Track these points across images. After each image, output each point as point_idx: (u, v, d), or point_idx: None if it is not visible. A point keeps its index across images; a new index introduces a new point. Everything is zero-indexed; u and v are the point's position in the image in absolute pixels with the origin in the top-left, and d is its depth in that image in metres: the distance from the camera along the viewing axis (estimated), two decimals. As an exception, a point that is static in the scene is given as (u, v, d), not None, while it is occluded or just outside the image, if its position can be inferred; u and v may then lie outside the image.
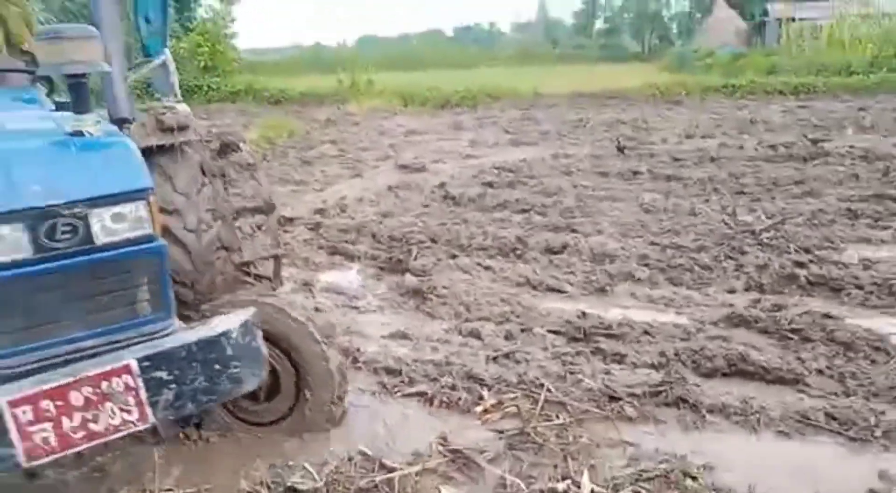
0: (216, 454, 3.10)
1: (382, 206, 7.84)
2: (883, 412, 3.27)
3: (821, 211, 6.71)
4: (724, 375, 3.74)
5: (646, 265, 5.44)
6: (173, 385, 2.42)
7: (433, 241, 6.23)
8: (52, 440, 2.22)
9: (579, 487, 2.78)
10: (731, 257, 5.53)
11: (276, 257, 3.87)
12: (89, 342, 2.44)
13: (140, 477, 2.92)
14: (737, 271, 5.26)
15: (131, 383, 2.34)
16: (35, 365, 2.34)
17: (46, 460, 2.24)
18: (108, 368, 2.31)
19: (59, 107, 3.12)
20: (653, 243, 5.98)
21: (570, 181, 8.70)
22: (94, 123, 2.46)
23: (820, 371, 3.72)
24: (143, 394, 2.37)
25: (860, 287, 4.84)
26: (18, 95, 3.13)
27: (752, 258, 5.44)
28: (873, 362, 3.81)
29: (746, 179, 8.32)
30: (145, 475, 2.93)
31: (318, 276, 5.61)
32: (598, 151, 10.95)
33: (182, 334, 2.56)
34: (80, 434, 2.26)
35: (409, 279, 5.24)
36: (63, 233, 2.30)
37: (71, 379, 2.26)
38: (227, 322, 2.62)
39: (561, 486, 2.79)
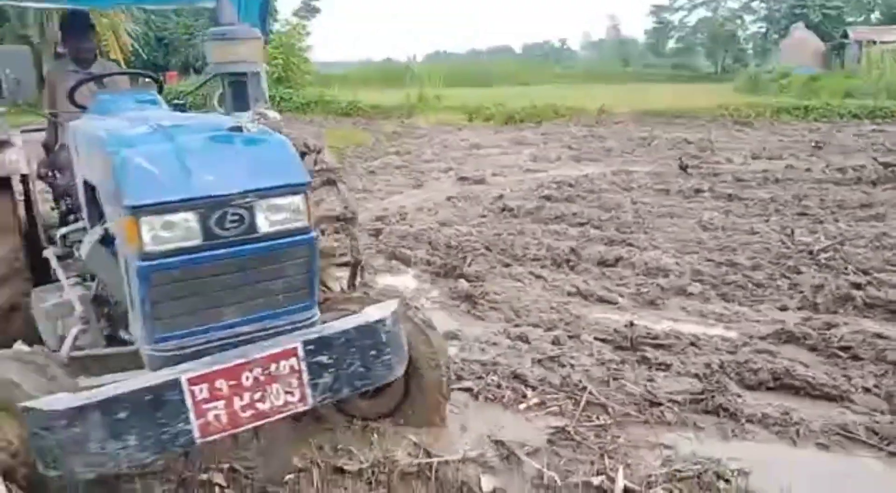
0: (271, 435, 3.30)
1: (441, 215, 8.04)
2: (927, 430, 3.26)
3: (884, 234, 6.59)
4: (769, 388, 3.76)
5: (699, 281, 5.47)
6: (332, 369, 2.52)
7: (488, 249, 6.39)
8: (223, 418, 2.34)
9: (613, 482, 2.88)
10: (786, 276, 5.51)
11: (356, 264, 3.94)
12: (247, 328, 2.56)
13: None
14: (791, 290, 5.24)
15: (296, 367, 2.45)
16: (202, 347, 2.46)
17: (216, 437, 2.35)
18: (276, 350, 2.43)
19: (175, 109, 3.39)
20: (708, 260, 6.00)
21: (629, 197, 8.74)
22: (251, 121, 2.64)
23: (867, 389, 3.71)
24: (306, 377, 2.48)
25: (920, 310, 4.77)
26: (142, 97, 3.36)
27: (808, 277, 5.41)
28: (924, 382, 3.78)
29: (810, 201, 8.21)
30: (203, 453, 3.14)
31: (377, 278, 5.82)
32: (660, 170, 10.94)
33: (339, 322, 2.65)
34: (248, 414, 2.39)
35: (462, 284, 5.40)
36: (231, 222, 2.41)
37: (243, 360, 2.38)
38: (380, 311, 2.73)
39: (595, 481, 2.90)
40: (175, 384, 2.27)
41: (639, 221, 7.46)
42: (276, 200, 2.50)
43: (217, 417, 2.32)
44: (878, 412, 3.49)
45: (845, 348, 4.14)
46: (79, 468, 2.18)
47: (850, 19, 45.73)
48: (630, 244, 6.49)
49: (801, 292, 5.16)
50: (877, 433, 3.26)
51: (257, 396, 2.39)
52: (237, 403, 2.36)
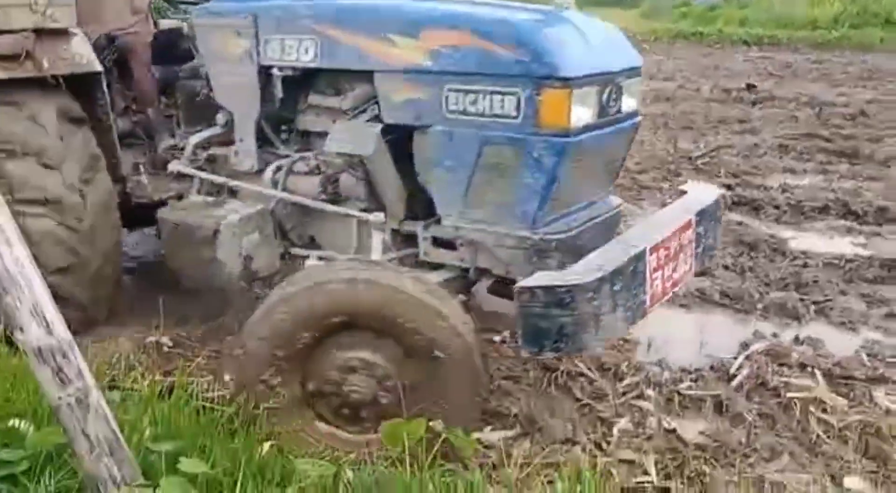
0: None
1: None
2: (768, 293, 3.95)
3: (756, 145, 7.36)
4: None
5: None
6: (703, 239, 2.65)
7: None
8: (659, 288, 2.36)
9: None
10: (667, 178, 6.16)
11: None
12: (604, 207, 2.70)
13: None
14: (670, 189, 5.89)
15: (691, 237, 2.55)
16: (575, 231, 2.57)
17: (653, 307, 2.37)
18: (682, 222, 2.50)
19: None
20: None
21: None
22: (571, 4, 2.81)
23: (726, 267, 4.37)
24: (694, 247, 2.57)
25: (776, 207, 5.49)
26: None
27: (686, 179, 6.07)
28: (772, 260, 4.48)
29: (696, 117, 8.92)
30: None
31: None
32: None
33: (695, 200, 2.75)
34: (668, 283, 2.44)
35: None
36: (613, 100, 2.48)
37: (675, 229, 2.43)
38: (709, 193, 2.88)
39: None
40: (642, 255, 2.27)
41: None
42: (632, 81, 2.64)
43: (657, 286, 2.35)
44: (732, 281, 4.15)
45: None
46: (593, 343, 2.14)
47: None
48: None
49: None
50: (728, 296, 3.91)
51: (674, 265, 2.45)
52: (667, 272, 2.41)
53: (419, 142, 2.66)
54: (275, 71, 2.91)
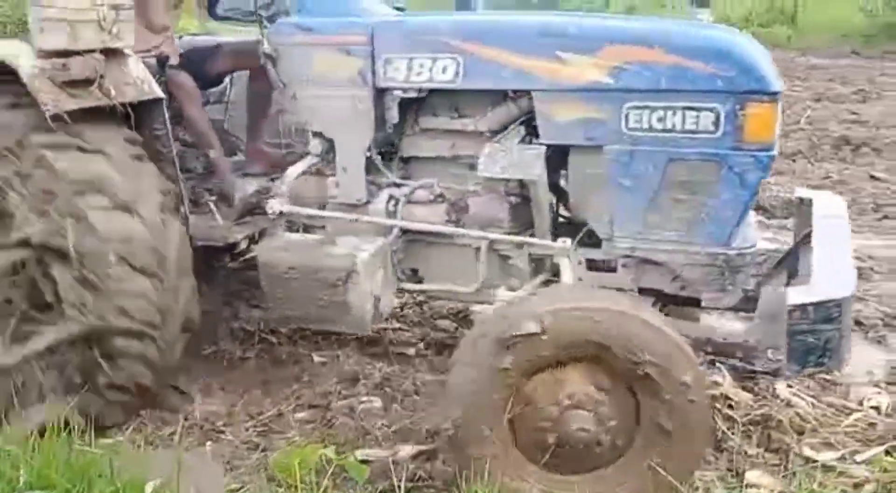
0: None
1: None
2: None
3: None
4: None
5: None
6: None
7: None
8: None
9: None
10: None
11: None
12: None
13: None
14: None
15: None
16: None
17: None
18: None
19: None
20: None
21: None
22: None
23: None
24: None
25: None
26: None
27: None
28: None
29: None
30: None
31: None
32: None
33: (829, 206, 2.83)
34: None
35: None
36: None
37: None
38: (836, 201, 2.96)
39: None
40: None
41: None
42: None
43: None
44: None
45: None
46: (846, 356, 2.19)
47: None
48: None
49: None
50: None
51: None
52: None
53: (584, 162, 2.59)
54: (396, 93, 2.71)
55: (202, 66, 3.29)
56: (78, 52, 2.51)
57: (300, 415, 2.94)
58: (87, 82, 2.51)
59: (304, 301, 2.66)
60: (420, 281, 2.88)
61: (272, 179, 3.10)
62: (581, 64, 2.47)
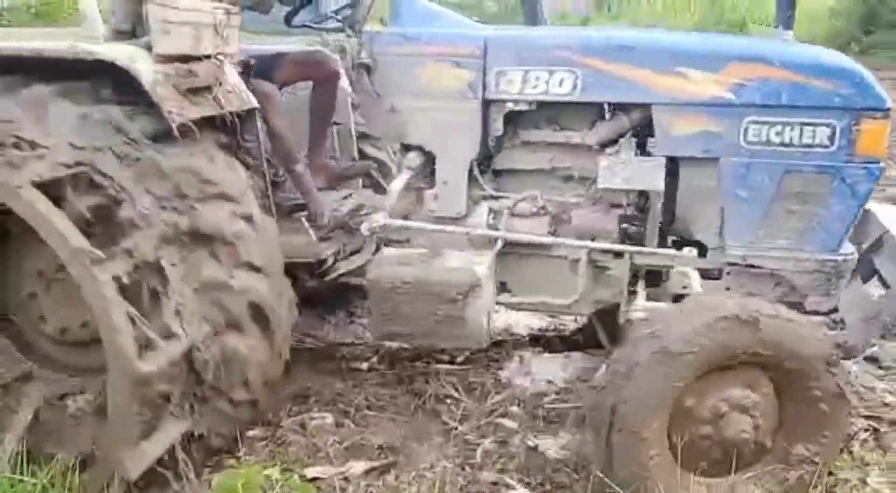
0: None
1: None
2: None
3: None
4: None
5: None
6: None
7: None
8: None
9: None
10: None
11: None
12: None
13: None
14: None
15: None
16: None
17: None
18: None
19: None
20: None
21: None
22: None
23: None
24: None
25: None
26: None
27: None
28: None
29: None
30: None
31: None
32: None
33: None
34: None
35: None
36: None
37: None
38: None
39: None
40: None
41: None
42: None
43: None
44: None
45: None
46: None
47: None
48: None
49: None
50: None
51: None
52: None
53: (697, 174, 2.65)
54: (504, 105, 2.71)
55: (267, 75, 3.12)
56: (198, 58, 2.36)
57: (251, 433, 2.88)
58: (206, 90, 2.37)
59: (417, 317, 2.62)
60: (511, 294, 2.87)
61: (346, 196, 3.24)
62: (704, 80, 2.57)
